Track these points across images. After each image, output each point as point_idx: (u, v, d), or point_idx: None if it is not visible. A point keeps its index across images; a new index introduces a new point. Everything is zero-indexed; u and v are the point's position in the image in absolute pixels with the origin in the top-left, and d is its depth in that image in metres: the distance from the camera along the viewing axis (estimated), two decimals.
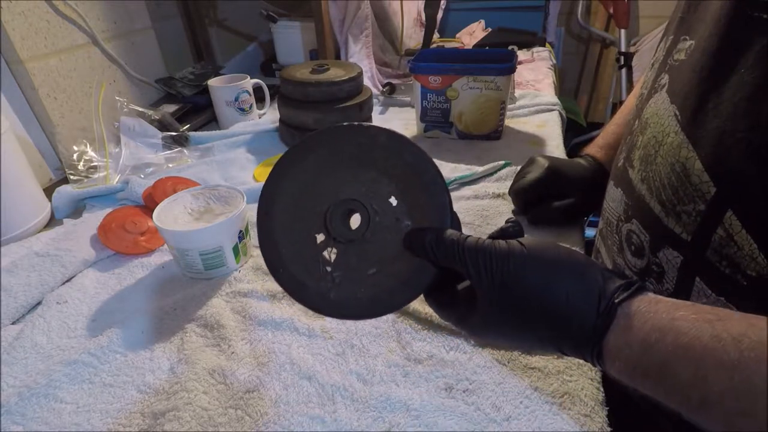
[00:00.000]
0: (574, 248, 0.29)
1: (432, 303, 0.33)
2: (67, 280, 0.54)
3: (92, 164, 0.74)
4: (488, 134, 0.83)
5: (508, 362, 0.40)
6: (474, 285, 0.28)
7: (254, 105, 0.95)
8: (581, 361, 0.39)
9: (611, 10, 1.69)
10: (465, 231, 0.31)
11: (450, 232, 0.29)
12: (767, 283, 0.30)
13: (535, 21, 1.48)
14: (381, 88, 1.05)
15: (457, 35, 1.45)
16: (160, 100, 0.99)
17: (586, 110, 2.07)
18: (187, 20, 1.12)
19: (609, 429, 0.35)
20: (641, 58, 1.65)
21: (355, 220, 0.33)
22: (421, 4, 1.24)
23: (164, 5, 1.05)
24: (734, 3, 0.31)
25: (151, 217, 0.51)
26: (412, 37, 1.27)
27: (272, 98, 0.97)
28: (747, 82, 0.30)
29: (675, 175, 0.34)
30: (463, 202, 0.64)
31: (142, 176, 0.73)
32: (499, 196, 0.64)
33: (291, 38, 1.07)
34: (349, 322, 0.45)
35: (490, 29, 1.41)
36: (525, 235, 0.30)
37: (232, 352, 0.43)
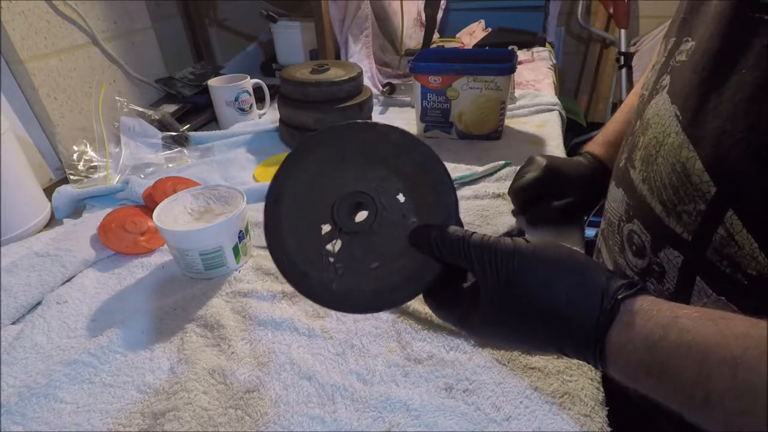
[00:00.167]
0: (574, 248, 0.29)
1: (432, 303, 0.33)
2: (67, 280, 0.54)
3: (92, 164, 0.74)
4: (488, 134, 0.83)
5: (508, 362, 0.40)
6: (479, 281, 0.28)
7: (254, 105, 0.95)
8: (581, 362, 0.39)
9: (611, 10, 1.69)
10: None
11: (455, 228, 0.30)
12: None
13: (535, 21, 1.48)
14: (381, 88, 1.05)
15: (457, 35, 1.45)
16: (160, 100, 0.99)
17: (586, 110, 2.07)
18: (187, 20, 1.12)
19: (609, 429, 0.35)
20: (641, 58, 1.65)
21: (362, 217, 0.33)
22: (421, 4, 1.24)
23: (164, 5, 1.05)
24: (735, 4, 0.31)
25: (151, 217, 0.51)
26: (412, 37, 1.27)
27: (272, 98, 0.97)
28: (747, 83, 0.30)
29: (676, 175, 0.34)
30: (463, 202, 0.64)
31: (142, 176, 0.73)
32: (499, 196, 0.64)
33: (291, 38, 1.07)
34: (350, 322, 0.45)
35: (490, 29, 1.41)
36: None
37: (232, 352, 0.43)
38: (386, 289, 0.31)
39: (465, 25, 1.48)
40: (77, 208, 0.69)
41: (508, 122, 0.87)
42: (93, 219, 0.61)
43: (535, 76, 1.13)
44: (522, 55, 1.27)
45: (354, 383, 0.39)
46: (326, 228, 0.33)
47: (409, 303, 0.43)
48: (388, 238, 0.32)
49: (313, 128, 0.80)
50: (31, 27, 0.72)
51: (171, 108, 0.93)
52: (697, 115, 0.33)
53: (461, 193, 0.67)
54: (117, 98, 0.82)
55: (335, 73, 0.80)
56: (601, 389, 0.38)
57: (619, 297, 0.26)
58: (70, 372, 0.41)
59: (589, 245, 0.60)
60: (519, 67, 1.17)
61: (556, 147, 0.78)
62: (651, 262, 0.38)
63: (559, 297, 0.26)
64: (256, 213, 0.63)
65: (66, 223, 0.63)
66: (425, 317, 0.45)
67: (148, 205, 0.62)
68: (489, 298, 0.28)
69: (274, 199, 0.33)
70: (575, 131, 1.70)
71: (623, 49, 1.69)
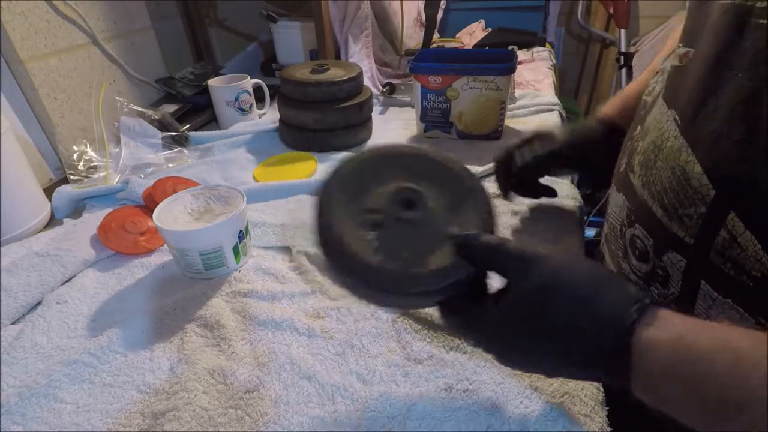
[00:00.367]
0: (577, 251, 0.29)
1: (450, 310, 0.33)
2: (67, 280, 0.54)
3: (92, 164, 0.74)
4: (488, 134, 0.83)
5: None
6: (510, 281, 0.30)
7: (254, 105, 0.95)
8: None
9: (611, 10, 1.69)
10: None
11: (494, 236, 0.32)
12: None
13: (535, 21, 1.48)
14: (381, 88, 1.05)
15: (457, 35, 1.45)
16: (160, 100, 0.99)
17: (586, 110, 2.07)
18: (187, 20, 1.12)
19: (609, 429, 0.35)
20: (641, 58, 1.65)
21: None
22: (421, 4, 1.24)
23: (164, 5, 1.05)
24: (733, 8, 0.31)
25: (151, 217, 0.51)
26: (412, 37, 1.27)
27: (272, 98, 0.97)
28: (743, 86, 0.30)
29: (675, 178, 0.34)
30: None
31: (142, 176, 0.73)
32: (499, 195, 0.64)
33: (291, 38, 1.07)
34: (350, 322, 0.45)
35: (490, 29, 1.41)
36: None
37: (232, 352, 0.43)
38: (409, 276, 0.33)
39: (465, 25, 1.48)
40: (77, 208, 0.69)
41: (508, 122, 0.87)
42: (93, 219, 0.61)
43: (535, 76, 1.13)
44: (522, 55, 1.27)
45: (354, 383, 0.39)
46: (371, 216, 0.35)
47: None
48: (424, 236, 0.34)
49: (312, 128, 0.80)
50: (31, 27, 0.72)
51: (171, 108, 0.93)
52: (695, 119, 0.33)
53: None
54: (117, 98, 0.82)
55: (335, 73, 0.80)
56: (601, 389, 0.38)
57: (647, 301, 0.26)
58: (70, 372, 0.41)
59: (589, 245, 0.60)
60: (519, 67, 1.17)
61: None
62: (655, 267, 0.38)
63: (583, 306, 0.27)
64: (256, 213, 0.63)
65: (66, 223, 0.63)
66: (425, 317, 0.45)
67: (148, 205, 0.62)
68: (514, 297, 0.29)
69: (327, 180, 0.38)
70: None
71: (623, 49, 1.69)
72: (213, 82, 0.91)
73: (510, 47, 0.95)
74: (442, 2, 1.42)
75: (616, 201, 0.44)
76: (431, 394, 0.38)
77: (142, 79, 0.95)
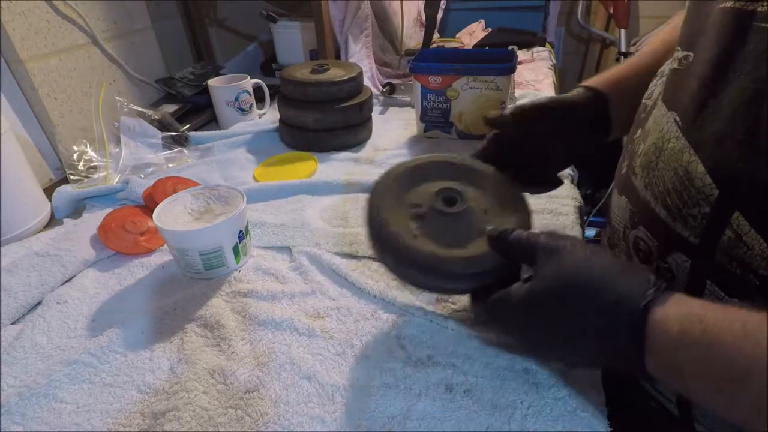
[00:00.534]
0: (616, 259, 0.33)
1: (478, 299, 0.37)
2: (67, 280, 0.54)
3: (92, 164, 0.74)
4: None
5: (509, 363, 0.40)
6: (538, 266, 0.33)
7: (254, 105, 0.95)
8: (584, 367, 0.40)
9: (611, 10, 1.69)
10: None
11: (526, 231, 0.36)
12: None
13: (535, 21, 1.48)
14: (381, 88, 1.05)
15: (457, 35, 1.45)
16: (160, 100, 0.99)
17: None
18: (187, 20, 1.12)
19: (609, 429, 0.35)
20: None
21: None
22: (421, 4, 1.24)
23: (164, 5, 1.05)
24: (734, 12, 0.32)
25: (151, 217, 0.51)
26: (412, 37, 1.27)
27: (272, 98, 0.97)
28: (745, 87, 0.30)
29: (678, 179, 0.35)
30: None
31: (142, 176, 0.73)
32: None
33: (291, 38, 1.07)
34: (350, 322, 0.45)
35: (490, 29, 1.41)
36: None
37: (232, 352, 0.43)
38: (441, 258, 0.37)
39: (465, 25, 1.48)
40: (77, 208, 0.69)
41: None
42: (93, 219, 0.61)
43: (535, 76, 1.13)
44: (522, 55, 1.27)
45: (354, 383, 0.39)
46: (419, 209, 0.41)
47: (413, 302, 0.47)
48: (462, 229, 0.39)
49: (313, 128, 0.80)
50: (31, 27, 0.72)
51: (171, 108, 0.93)
52: (697, 120, 0.34)
53: None
54: (117, 98, 0.82)
55: (335, 73, 0.80)
56: (601, 389, 0.38)
57: (662, 285, 0.28)
58: (70, 372, 0.41)
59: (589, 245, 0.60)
60: (519, 67, 1.17)
61: None
62: (659, 268, 0.38)
63: (605, 286, 0.29)
64: (256, 213, 0.63)
65: (66, 223, 0.63)
66: (425, 318, 0.45)
67: (148, 205, 0.62)
68: (539, 279, 0.32)
69: (381, 178, 0.43)
70: None
71: (623, 49, 1.69)
72: (213, 82, 0.91)
73: (510, 47, 0.95)
74: (442, 2, 1.42)
75: (618, 204, 0.44)
76: (431, 394, 0.38)
77: (142, 79, 0.95)
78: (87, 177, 0.72)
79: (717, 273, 0.33)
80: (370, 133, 0.87)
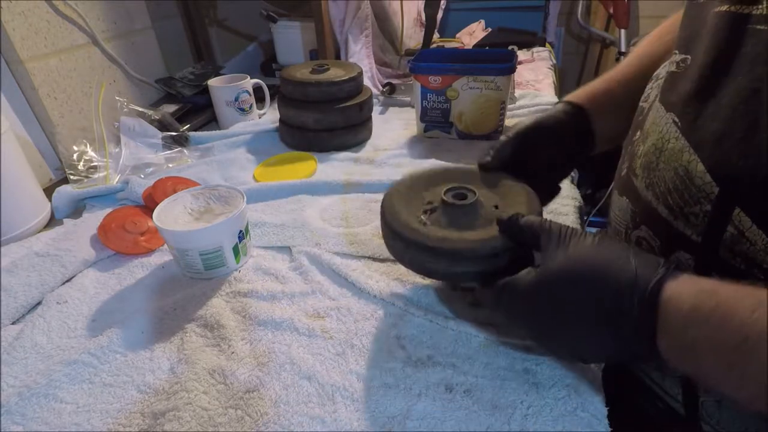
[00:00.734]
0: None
1: (485, 284, 0.37)
2: (67, 280, 0.54)
3: (92, 164, 0.74)
4: (488, 134, 0.83)
5: (509, 363, 0.40)
6: (546, 250, 0.33)
7: (254, 105, 0.95)
8: (584, 364, 0.40)
9: (611, 10, 1.69)
10: None
11: (535, 216, 0.37)
12: None
13: (535, 21, 1.48)
14: (381, 88, 1.05)
15: (457, 35, 1.45)
16: (160, 100, 0.99)
17: None
18: (187, 20, 1.12)
19: (609, 429, 0.35)
20: None
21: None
22: (421, 4, 1.24)
23: (164, 5, 1.05)
24: (730, 16, 0.33)
25: (151, 217, 0.51)
26: (412, 37, 1.27)
27: (272, 98, 0.97)
28: (743, 87, 0.31)
29: (679, 178, 0.35)
30: None
31: (142, 176, 0.73)
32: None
33: (291, 38, 1.07)
34: (350, 322, 0.45)
35: (490, 29, 1.41)
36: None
37: (232, 352, 0.43)
38: (448, 240, 0.39)
39: (465, 25, 1.48)
40: (77, 208, 0.69)
41: (508, 122, 0.87)
42: (93, 219, 0.61)
43: (535, 76, 1.13)
44: (522, 55, 1.27)
45: (354, 383, 0.39)
46: (430, 205, 0.43)
47: (413, 301, 0.47)
48: (472, 220, 0.41)
49: (313, 128, 0.80)
50: (31, 27, 0.72)
51: (171, 108, 0.93)
52: (697, 121, 0.34)
53: None
54: (117, 98, 0.82)
55: (335, 73, 0.80)
56: (602, 389, 0.38)
57: (672, 265, 0.29)
58: (70, 372, 0.41)
59: None
60: (519, 67, 1.17)
61: None
62: None
63: (617, 265, 0.30)
64: (256, 213, 0.63)
65: (66, 223, 0.63)
66: (426, 318, 0.45)
67: (148, 205, 0.62)
68: (549, 263, 0.32)
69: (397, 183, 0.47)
70: None
71: (623, 49, 1.69)
72: (213, 82, 0.91)
73: (510, 47, 0.95)
74: (442, 2, 1.42)
75: (619, 205, 0.44)
76: (431, 394, 0.38)
77: (142, 79, 0.95)
78: (87, 177, 0.72)
79: (721, 269, 0.34)
80: (370, 133, 0.87)
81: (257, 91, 0.95)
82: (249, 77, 0.92)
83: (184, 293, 0.50)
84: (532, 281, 0.33)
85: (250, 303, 0.48)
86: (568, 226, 0.34)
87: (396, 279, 0.50)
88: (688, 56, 0.37)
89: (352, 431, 0.36)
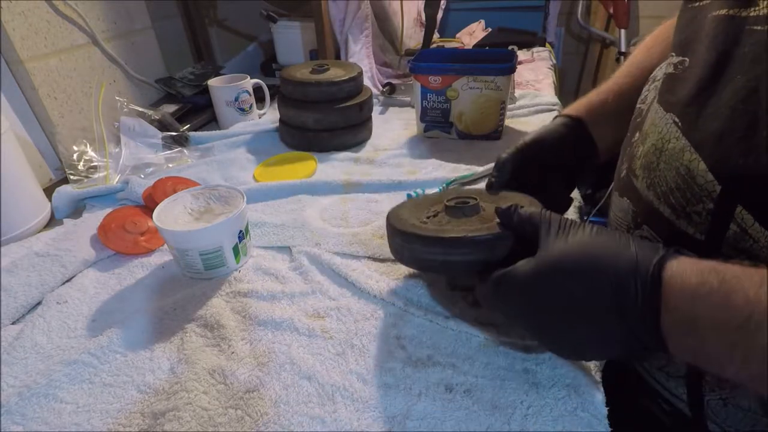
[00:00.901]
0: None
1: (483, 277, 0.37)
2: (67, 280, 0.54)
3: (92, 164, 0.74)
4: (488, 134, 0.83)
5: (508, 362, 0.40)
6: (544, 238, 0.33)
7: (254, 105, 0.95)
8: (581, 362, 0.40)
9: (611, 10, 1.69)
10: None
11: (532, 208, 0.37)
12: None
13: (535, 21, 1.48)
14: (381, 88, 1.05)
15: (457, 35, 1.45)
16: (160, 100, 0.99)
17: None
18: (187, 20, 1.12)
19: (609, 429, 0.35)
20: None
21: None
22: (421, 4, 1.24)
23: (164, 5, 1.05)
24: (727, 19, 0.34)
25: (151, 217, 0.51)
26: (412, 37, 1.27)
27: (272, 98, 0.97)
28: (742, 86, 0.32)
29: (680, 178, 0.35)
30: None
31: (142, 176, 0.73)
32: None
33: (291, 38, 1.07)
34: (350, 322, 0.45)
35: (490, 29, 1.41)
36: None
37: (232, 352, 0.43)
38: (448, 231, 0.40)
39: (465, 25, 1.48)
40: (77, 208, 0.69)
41: (508, 122, 0.87)
42: (93, 219, 0.61)
43: (535, 76, 1.13)
44: (522, 55, 1.27)
45: (354, 383, 0.39)
46: (434, 211, 0.46)
47: (413, 301, 0.47)
48: (472, 221, 0.42)
49: (313, 128, 0.80)
50: (31, 27, 0.72)
51: (171, 108, 0.93)
52: (697, 120, 0.35)
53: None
54: (117, 98, 0.82)
55: (335, 73, 0.80)
56: (601, 389, 0.38)
57: (672, 249, 0.29)
58: (70, 372, 0.41)
59: None
60: (519, 67, 1.17)
61: None
62: None
63: (617, 250, 0.30)
64: (256, 213, 0.63)
65: (66, 223, 0.63)
66: (426, 318, 0.45)
67: (148, 205, 0.62)
68: (548, 251, 0.32)
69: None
70: None
71: (623, 49, 1.69)
72: (213, 82, 0.91)
73: (510, 47, 0.95)
74: (442, 2, 1.42)
75: (620, 206, 0.44)
76: (431, 394, 0.38)
77: (142, 79, 0.95)
78: (87, 177, 0.72)
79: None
80: (370, 133, 0.87)
81: (257, 91, 0.95)
82: (249, 77, 0.92)
83: (184, 293, 0.50)
84: (531, 270, 0.33)
85: (250, 303, 0.48)
86: (567, 218, 0.34)
87: (396, 279, 0.50)
88: (686, 58, 0.38)
89: (352, 431, 0.36)
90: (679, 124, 0.36)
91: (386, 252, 0.45)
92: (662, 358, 0.41)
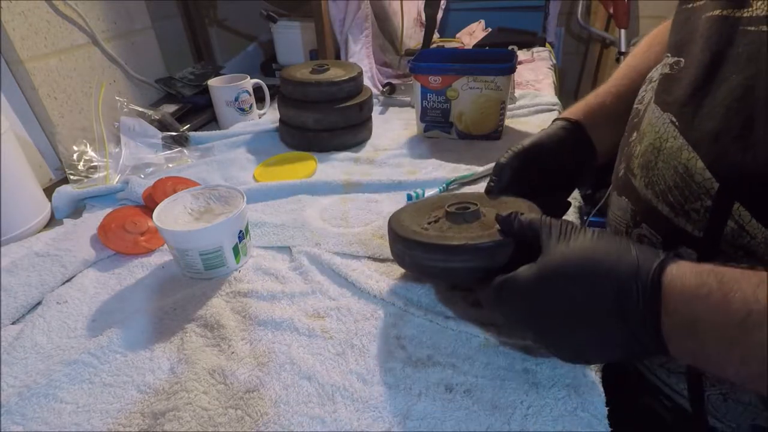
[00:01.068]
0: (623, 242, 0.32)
1: (484, 284, 0.37)
2: (67, 280, 0.54)
3: (92, 164, 0.74)
4: (488, 134, 0.83)
5: (508, 363, 0.40)
6: (545, 242, 0.34)
7: (254, 105, 0.95)
8: (583, 364, 0.39)
9: (611, 10, 1.69)
10: None
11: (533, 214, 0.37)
12: None
13: (535, 21, 1.48)
14: (381, 88, 1.05)
15: (457, 35, 1.45)
16: (160, 100, 0.99)
17: None
18: (187, 20, 1.12)
19: (609, 429, 0.35)
20: None
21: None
22: (421, 4, 1.24)
23: (164, 5, 1.05)
24: (721, 20, 0.34)
25: (151, 217, 0.51)
26: (412, 37, 1.27)
27: (272, 98, 0.97)
28: (737, 85, 0.33)
29: (678, 176, 0.36)
30: None
31: (142, 176, 0.73)
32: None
33: (291, 38, 1.07)
34: (350, 322, 0.45)
35: (490, 29, 1.41)
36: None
37: (232, 352, 0.43)
38: (449, 238, 0.40)
39: (465, 25, 1.48)
40: (77, 208, 0.69)
41: (508, 122, 0.87)
42: (93, 219, 0.61)
43: (535, 76, 1.13)
44: (522, 55, 1.27)
45: (354, 383, 0.39)
46: (435, 216, 0.46)
47: (413, 301, 0.47)
48: (473, 227, 0.42)
49: (313, 128, 0.80)
50: (31, 27, 0.72)
51: (171, 108, 0.93)
52: (694, 119, 0.35)
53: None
54: (117, 98, 0.82)
55: (335, 73, 0.80)
56: (601, 389, 0.38)
57: (672, 254, 0.29)
58: (70, 372, 0.41)
59: None
60: (519, 67, 1.17)
61: None
62: None
63: (618, 254, 0.30)
64: (256, 213, 0.63)
65: (66, 223, 0.63)
66: (425, 318, 0.45)
67: (148, 205, 0.62)
68: (549, 257, 0.32)
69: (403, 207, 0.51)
70: None
71: (623, 49, 1.69)
72: (213, 82, 0.91)
73: (510, 47, 0.95)
74: (442, 2, 1.42)
75: (619, 205, 0.44)
76: (431, 394, 0.38)
77: (142, 79, 0.95)
78: (87, 177, 0.72)
79: (724, 263, 0.34)
80: (370, 133, 0.87)
81: (257, 91, 0.95)
82: (249, 77, 0.92)
83: (184, 293, 0.50)
84: (533, 276, 0.32)
85: (250, 303, 0.48)
86: (568, 222, 0.34)
87: (396, 279, 0.50)
88: (681, 59, 0.38)
89: (352, 431, 0.36)
90: (676, 123, 0.37)
91: (386, 252, 0.45)
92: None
